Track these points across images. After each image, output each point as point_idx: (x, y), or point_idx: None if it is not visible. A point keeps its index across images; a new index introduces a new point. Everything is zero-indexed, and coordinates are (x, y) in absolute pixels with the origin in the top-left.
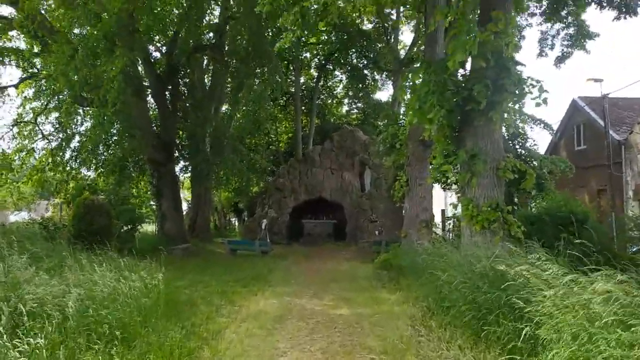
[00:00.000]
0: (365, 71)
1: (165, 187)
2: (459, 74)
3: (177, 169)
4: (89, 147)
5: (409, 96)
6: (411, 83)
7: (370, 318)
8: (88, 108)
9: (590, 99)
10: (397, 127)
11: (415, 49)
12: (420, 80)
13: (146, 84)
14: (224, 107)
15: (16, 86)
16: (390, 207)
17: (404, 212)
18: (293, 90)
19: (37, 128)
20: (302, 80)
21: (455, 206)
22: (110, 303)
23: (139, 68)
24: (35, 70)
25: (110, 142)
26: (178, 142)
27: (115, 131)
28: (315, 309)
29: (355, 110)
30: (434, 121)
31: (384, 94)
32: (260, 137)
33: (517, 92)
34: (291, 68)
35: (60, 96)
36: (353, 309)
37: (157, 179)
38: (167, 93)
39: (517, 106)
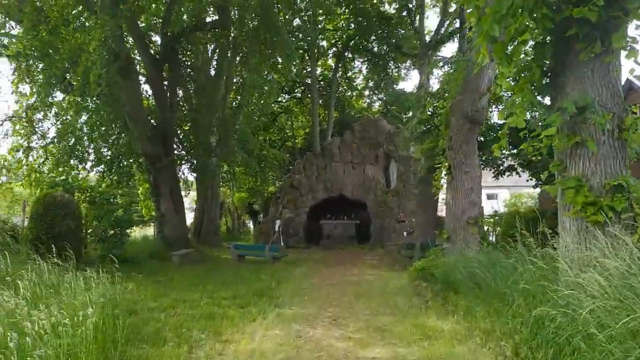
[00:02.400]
0: (388, 59)
1: (164, 185)
2: None
3: (185, 167)
4: (70, 140)
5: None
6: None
7: None
8: (68, 96)
9: None
10: (433, 103)
11: (442, 30)
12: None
13: (143, 73)
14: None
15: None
16: (423, 204)
17: (445, 208)
18: (309, 82)
19: (28, 123)
20: (318, 71)
21: (553, 191)
22: None
23: (129, 45)
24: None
25: (97, 134)
26: (182, 135)
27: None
28: (336, 346)
29: (377, 103)
30: (516, 59)
31: (408, 85)
32: (274, 132)
33: None
34: (307, 57)
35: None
36: (393, 348)
37: (155, 176)
38: (165, 79)
39: None
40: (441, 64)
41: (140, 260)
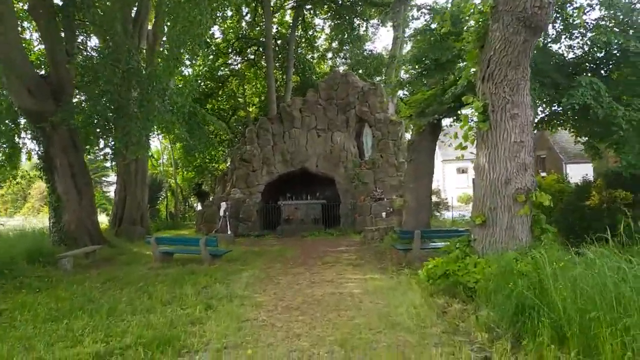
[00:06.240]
0: (354, 12)
1: (60, 157)
2: None
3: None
4: None
5: None
6: None
7: None
8: None
9: None
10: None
11: None
12: None
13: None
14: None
15: None
16: (415, 177)
17: (476, 175)
18: (264, 40)
19: None
20: (274, 28)
21: None
22: None
23: None
24: None
25: None
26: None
27: None
28: None
29: (343, 67)
30: None
31: (377, 47)
32: (223, 100)
33: None
34: (259, 11)
35: None
36: None
37: (45, 144)
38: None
39: None
40: None
41: (12, 266)
